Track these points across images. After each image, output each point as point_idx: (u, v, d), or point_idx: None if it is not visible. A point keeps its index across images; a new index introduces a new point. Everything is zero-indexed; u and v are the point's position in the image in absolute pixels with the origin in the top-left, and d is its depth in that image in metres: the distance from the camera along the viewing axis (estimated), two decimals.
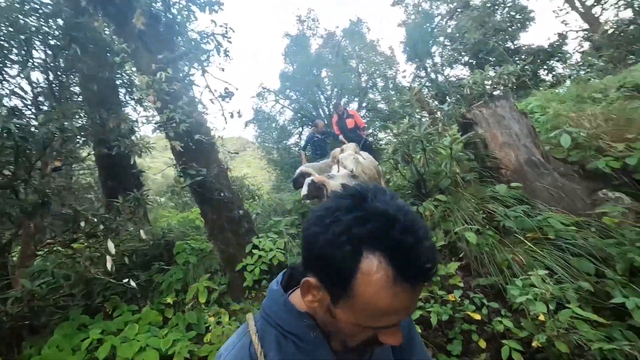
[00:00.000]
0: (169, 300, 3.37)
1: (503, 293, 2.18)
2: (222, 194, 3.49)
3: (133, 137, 4.97)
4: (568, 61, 8.53)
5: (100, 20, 3.49)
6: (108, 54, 4.04)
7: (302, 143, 6.86)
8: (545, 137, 3.38)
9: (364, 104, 16.61)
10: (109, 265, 2.85)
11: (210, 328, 2.84)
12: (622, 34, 7.89)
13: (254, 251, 3.41)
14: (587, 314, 1.67)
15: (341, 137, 6.32)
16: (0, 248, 3.22)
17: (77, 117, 3.91)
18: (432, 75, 15.46)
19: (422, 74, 16.40)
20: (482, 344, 1.99)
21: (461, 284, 2.29)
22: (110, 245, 2.96)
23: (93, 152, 5.23)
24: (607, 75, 5.16)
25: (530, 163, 2.97)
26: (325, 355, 0.61)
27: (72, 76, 4.44)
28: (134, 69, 4.73)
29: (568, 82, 7.71)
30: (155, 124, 3.67)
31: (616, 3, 9.47)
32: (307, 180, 3.52)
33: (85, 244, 3.43)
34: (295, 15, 16.67)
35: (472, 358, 1.98)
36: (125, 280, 2.90)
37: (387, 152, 3.58)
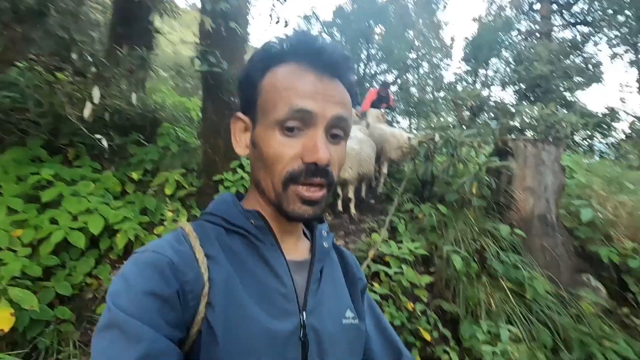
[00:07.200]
0: (135, 175, 3.16)
1: (458, 325, 2.15)
2: (231, 98, 3.16)
3: None
4: (608, 139, 8.24)
5: None
6: None
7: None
8: (565, 202, 3.23)
9: (398, 80, 15.80)
10: (87, 112, 2.55)
11: (165, 222, 2.69)
12: None
13: (239, 170, 3.21)
14: None
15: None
16: None
17: None
18: (478, 85, 14.73)
19: (469, 79, 15.61)
20: None
21: (425, 299, 2.23)
22: (96, 93, 2.64)
23: None
24: None
25: (543, 219, 2.84)
26: (276, 256, 0.53)
27: None
28: None
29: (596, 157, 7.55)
30: None
31: None
32: None
33: (70, 79, 3.07)
34: None
35: None
36: (98, 136, 2.63)
37: (413, 138, 3.32)
